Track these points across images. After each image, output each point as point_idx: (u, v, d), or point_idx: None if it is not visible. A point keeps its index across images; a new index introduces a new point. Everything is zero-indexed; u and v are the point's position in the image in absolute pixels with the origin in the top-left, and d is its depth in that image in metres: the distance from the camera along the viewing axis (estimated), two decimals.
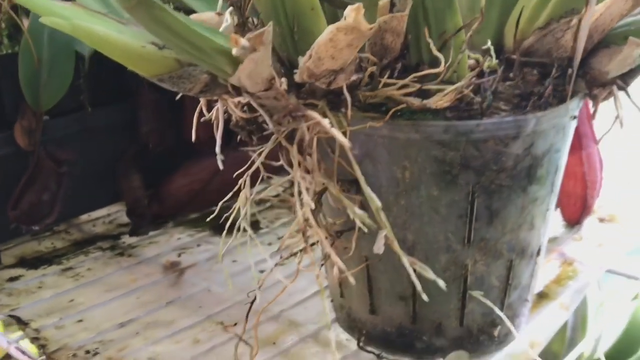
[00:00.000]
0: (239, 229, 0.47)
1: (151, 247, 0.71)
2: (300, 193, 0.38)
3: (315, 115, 0.34)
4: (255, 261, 0.63)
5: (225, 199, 0.48)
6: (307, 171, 0.41)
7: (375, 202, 0.37)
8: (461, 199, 0.43)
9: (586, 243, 0.66)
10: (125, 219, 0.74)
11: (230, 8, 0.41)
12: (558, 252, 0.64)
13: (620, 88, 0.44)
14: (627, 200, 0.75)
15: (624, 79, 0.45)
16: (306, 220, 0.37)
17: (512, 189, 0.43)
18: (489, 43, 0.46)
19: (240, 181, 0.42)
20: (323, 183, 0.40)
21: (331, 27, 0.33)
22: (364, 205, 0.40)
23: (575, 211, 0.69)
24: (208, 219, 0.53)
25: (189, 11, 0.72)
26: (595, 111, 0.48)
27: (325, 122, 0.33)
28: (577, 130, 0.65)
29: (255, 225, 0.73)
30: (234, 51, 0.31)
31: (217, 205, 0.49)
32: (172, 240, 0.71)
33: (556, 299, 0.57)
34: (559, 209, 0.70)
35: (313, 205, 0.37)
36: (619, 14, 0.41)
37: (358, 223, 0.39)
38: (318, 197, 0.42)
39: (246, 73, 0.34)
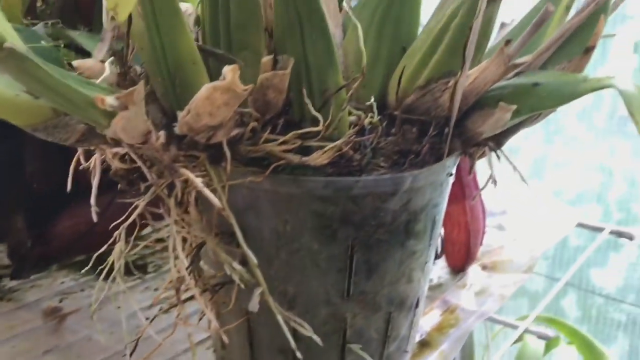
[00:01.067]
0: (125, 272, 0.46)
1: (33, 291, 0.68)
2: (175, 248, 0.37)
3: (187, 173, 0.33)
4: (141, 307, 0.61)
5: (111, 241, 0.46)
6: (186, 224, 0.40)
7: (252, 259, 0.37)
8: (340, 253, 0.43)
9: (469, 290, 0.68)
10: (6, 260, 0.71)
11: (112, 57, 0.40)
12: (441, 300, 0.66)
13: (492, 149, 0.45)
14: (509, 247, 0.77)
15: (498, 140, 0.47)
16: (180, 276, 0.37)
17: (390, 243, 0.44)
18: (372, 99, 0.47)
19: (116, 233, 0.41)
20: (201, 237, 0.40)
21: (208, 86, 0.33)
22: (245, 259, 0.40)
23: (460, 259, 0.70)
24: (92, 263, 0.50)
25: (81, 49, 0.71)
26: (472, 167, 0.49)
27: (198, 181, 0.32)
28: (460, 180, 0.67)
29: (142, 269, 0.71)
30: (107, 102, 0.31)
31: (103, 247, 0.48)
32: (55, 284, 0.69)
33: (437, 347, 0.58)
34: (444, 256, 0.72)
35: (187, 263, 0.36)
36: (492, 79, 0.42)
37: (235, 279, 0.38)
38: (197, 250, 0.41)
39: (120, 128, 0.33)
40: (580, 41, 0.43)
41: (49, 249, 0.71)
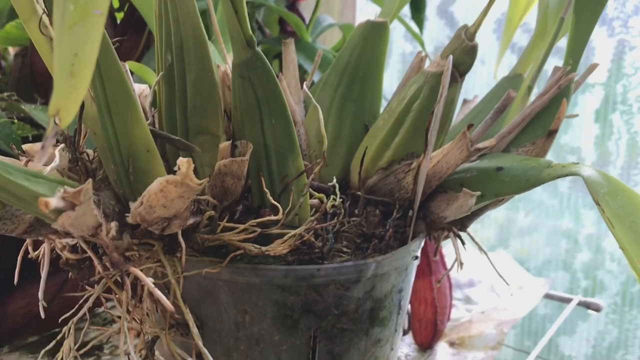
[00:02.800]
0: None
1: None
2: (125, 342, 0.35)
3: (136, 271, 0.32)
4: None
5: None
6: (139, 316, 0.38)
7: (207, 357, 0.35)
8: (302, 343, 0.42)
9: None
10: None
11: (62, 145, 0.39)
12: None
13: (457, 235, 0.44)
14: (477, 321, 0.76)
15: (462, 223, 0.46)
16: None
17: (354, 332, 0.43)
18: (334, 180, 0.46)
19: (65, 329, 0.38)
20: (155, 331, 0.38)
21: (161, 179, 0.32)
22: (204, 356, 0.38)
23: (427, 335, 0.69)
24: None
25: (35, 123, 0.70)
26: (437, 249, 0.48)
27: (148, 281, 0.31)
28: (427, 255, 0.66)
29: (97, 350, 0.68)
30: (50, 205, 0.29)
31: (59, 327, 0.45)
32: None
33: None
34: (410, 333, 0.70)
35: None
36: (455, 163, 0.42)
37: None
38: (151, 344, 0.39)
39: (68, 223, 0.32)
40: (543, 124, 0.42)
41: (0, 330, 0.68)
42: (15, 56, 0.89)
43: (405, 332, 0.71)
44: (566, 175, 0.37)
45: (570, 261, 1.11)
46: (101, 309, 0.76)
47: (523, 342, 1.14)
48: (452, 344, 0.71)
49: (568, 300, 0.82)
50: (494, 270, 0.85)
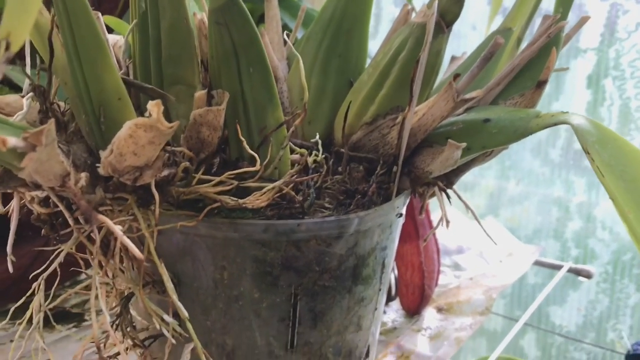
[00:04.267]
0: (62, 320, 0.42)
1: None
2: (97, 299, 0.34)
3: (105, 220, 0.30)
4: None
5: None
6: (112, 273, 0.37)
7: (183, 312, 0.34)
8: (283, 301, 0.41)
9: (424, 335, 0.65)
10: None
11: (31, 93, 0.37)
12: (396, 345, 0.63)
13: (442, 189, 0.43)
14: (465, 287, 0.75)
15: (448, 178, 0.45)
16: (104, 332, 0.34)
17: (337, 290, 0.42)
18: (317, 136, 0.45)
19: (35, 284, 0.37)
20: (129, 287, 0.37)
21: (129, 123, 0.31)
22: (181, 313, 0.37)
23: (414, 300, 0.68)
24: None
25: (15, 84, 0.68)
26: (422, 207, 0.47)
27: (117, 229, 0.29)
28: (413, 219, 0.65)
29: (77, 318, 0.67)
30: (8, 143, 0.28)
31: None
32: None
33: None
34: (398, 298, 0.69)
35: (110, 318, 0.33)
36: (440, 115, 0.41)
37: (166, 333, 0.35)
38: (125, 301, 0.38)
39: (32, 170, 0.31)
40: (532, 75, 0.41)
41: None
42: None
43: (392, 298, 0.71)
44: (555, 124, 0.36)
45: (561, 230, 1.10)
46: (82, 277, 0.75)
47: (513, 311, 1.14)
48: (440, 310, 0.70)
49: (558, 267, 0.81)
50: (483, 237, 0.84)
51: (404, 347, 0.63)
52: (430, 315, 0.69)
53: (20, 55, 0.79)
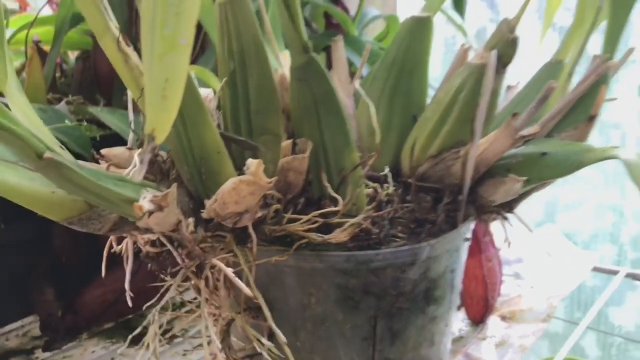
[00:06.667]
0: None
1: None
2: (207, 328, 0.39)
3: (217, 262, 0.35)
4: None
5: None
6: (215, 302, 0.42)
7: (281, 337, 0.38)
8: (364, 322, 0.45)
9: (490, 342, 0.69)
10: (38, 331, 0.73)
11: (140, 150, 0.42)
12: (463, 353, 0.66)
13: (504, 216, 0.47)
14: (527, 295, 0.78)
15: (510, 205, 0.48)
16: (212, 354, 0.38)
17: (412, 311, 0.45)
18: (387, 170, 0.48)
19: (150, 316, 0.42)
20: (231, 315, 0.41)
21: (234, 179, 0.35)
22: (272, 334, 0.41)
23: (479, 311, 0.71)
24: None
25: (102, 124, 0.74)
26: (486, 230, 0.51)
27: (228, 270, 0.34)
28: (476, 235, 0.68)
29: (169, 334, 0.72)
30: (144, 208, 0.33)
31: (132, 313, 0.49)
32: (86, 354, 0.70)
33: None
34: (463, 308, 0.73)
35: (220, 345, 0.38)
36: (501, 150, 0.44)
37: (264, 354, 0.40)
38: (227, 327, 0.43)
39: (154, 222, 0.35)
40: (584, 110, 0.44)
41: (79, 318, 0.73)
42: (76, 59, 0.93)
43: (458, 308, 0.74)
44: (606, 158, 0.39)
45: (617, 234, 1.12)
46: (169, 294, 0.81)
47: (573, 313, 1.16)
48: (503, 318, 0.73)
49: (615, 272, 0.83)
50: (542, 246, 0.87)
51: (471, 355, 0.66)
52: (494, 324, 0.72)
53: (102, 93, 0.85)
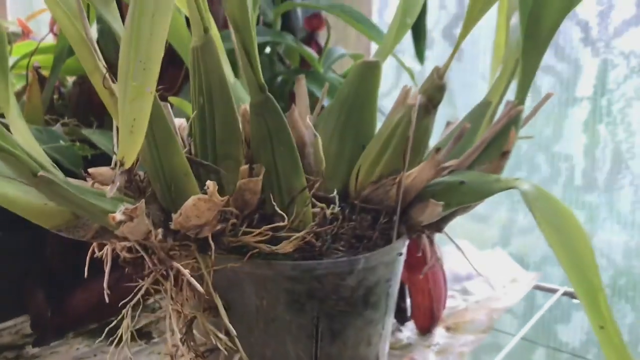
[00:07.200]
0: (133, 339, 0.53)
1: (52, 357, 0.75)
2: (170, 323, 0.45)
3: (177, 265, 0.41)
4: None
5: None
6: (180, 302, 0.48)
7: (231, 330, 0.44)
8: (308, 322, 0.51)
9: (433, 349, 0.75)
10: (29, 329, 0.78)
11: (120, 170, 0.48)
12: (409, 358, 0.73)
13: (429, 235, 0.53)
14: (471, 309, 0.84)
15: (437, 225, 0.55)
16: (174, 346, 0.44)
17: (350, 313, 0.52)
18: (335, 192, 0.55)
19: (124, 311, 0.48)
20: (192, 312, 0.47)
21: (194, 197, 0.42)
22: (230, 332, 0.48)
23: (426, 321, 0.78)
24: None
25: (93, 144, 0.80)
26: (418, 247, 0.57)
27: (186, 272, 0.40)
28: (423, 254, 0.75)
29: (147, 336, 0.78)
30: (116, 219, 0.39)
31: (114, 316, 0.55)
32: (71, 350, 0.76)
33: None
34: (412, 320, 0.79)
35: (180, 335, 0.44)
36: (427, 178, 0.51)
37: (220, 347, 0.46)
38: (189, 323, 0.49)
39: (127, 231, 0.42)
40: (497, 146, 0.51)
41: (66, 319, 0.79)
42: (73, 84, 1.00)
43: (408, 319, 0.80)
44: (509, 188, 0.46)
45: None
46: (150, 300, 0.87)
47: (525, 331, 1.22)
48: (448, 329, 0.80)
49: (555, 291, 0.90)
50: (489, 266, 0.93)
51: None
52: (439, 334, 0.78)
53: (95, 116, 0.92)
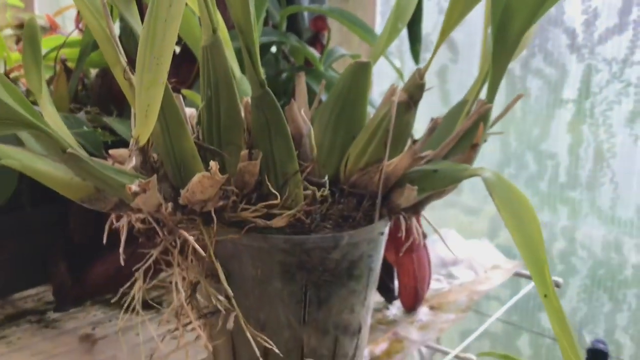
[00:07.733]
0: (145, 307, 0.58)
1: (71, 321, 0.81)
2: (176, 284, 0.51)
3: (184, 234, 0.47)
4: (157, 334, 0.74)
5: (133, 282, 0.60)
6: (186, 268, 0.54)
7: (228, 291, 0.50)
8: (298, 290, 0.56)
9: (416, 325, 0.80)
10: (51, 297, 0.85)
11: (136, 151, 0.54)
12: (393, 332, 0.78)
13: (406, 217, 0.59)
14: (454, 291, 0.90)
15: (416, 208, 0.60)
16: (180, 305, 0.50)
17: (335, 283, 0.57)
18: (326, 177, 0.60)
19: (136, 275, 0.54)
20: (197, 278, 0.53)
21: (199, 175, 0.47)
22: (228, 294, 0.53)
23: (410, 300, 0.83)
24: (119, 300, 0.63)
25: (113, 130, 0.86)
26: (399, 229, 0.63)
27: (191, 239, 0.46)
28: (408, 237, 0.80)
29: (156, 308, 0.84)
30: (132, 189, 0.45)
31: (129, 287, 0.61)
32: (89, 316, 0.82)
33: None
34: (399, 299, 0.85)
35: (184, 295, 0.50)
36: (405, 166, 0.56)
37: (220, 308, 0.52)
38: (194, 287, 0.55)
39: (141, 202, 0.47)
40: (469, 139, 0.57)
41: (85, 289, 0.85)
42: (96, 76, 1.06)
43: (395, 298, 0.86)
44: (474, 176, 0.51)
45: (548, 248, 1.24)
46: (162, 275, 0.93)
47: (511, 317, 1.28)
48: (431, 308, 0.85)
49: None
50: (474, 253, 0.98)
51: (398, 334, 0.78)
52: (423, 312, 0.84)
53: (116, 105, 0.98)
